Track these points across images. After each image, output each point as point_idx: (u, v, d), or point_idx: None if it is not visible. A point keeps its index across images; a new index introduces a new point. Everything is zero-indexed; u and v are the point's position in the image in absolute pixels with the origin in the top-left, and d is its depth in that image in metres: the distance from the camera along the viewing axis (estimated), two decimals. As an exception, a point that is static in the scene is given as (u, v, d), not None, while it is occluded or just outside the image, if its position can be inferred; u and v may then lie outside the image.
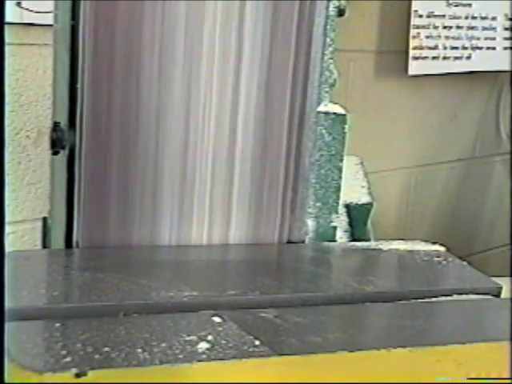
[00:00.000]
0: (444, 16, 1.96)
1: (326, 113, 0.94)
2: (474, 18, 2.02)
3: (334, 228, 0.98)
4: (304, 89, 0.92)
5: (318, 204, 0.96)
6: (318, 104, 0.94)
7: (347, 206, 1.03)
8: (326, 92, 0.95)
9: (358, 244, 0.97)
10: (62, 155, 0.88)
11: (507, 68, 2.13)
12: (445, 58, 1.98)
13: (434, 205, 2.25)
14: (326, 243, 0.97)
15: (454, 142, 2.22)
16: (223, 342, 0.65)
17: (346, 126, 0.96)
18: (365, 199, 1.05)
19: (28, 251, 1.13)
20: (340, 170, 0.96)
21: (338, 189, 0.97)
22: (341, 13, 0.94)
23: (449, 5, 1.96)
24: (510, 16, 2.09)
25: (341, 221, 1.01)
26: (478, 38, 2.04)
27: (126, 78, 0.85)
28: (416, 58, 1.92)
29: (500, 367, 0.68)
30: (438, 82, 2.05)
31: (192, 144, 0.89)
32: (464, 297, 0.82)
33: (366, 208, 1.05)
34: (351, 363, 0.65)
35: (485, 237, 2.42)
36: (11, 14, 1.24)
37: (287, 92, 0.91)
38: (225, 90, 0.88)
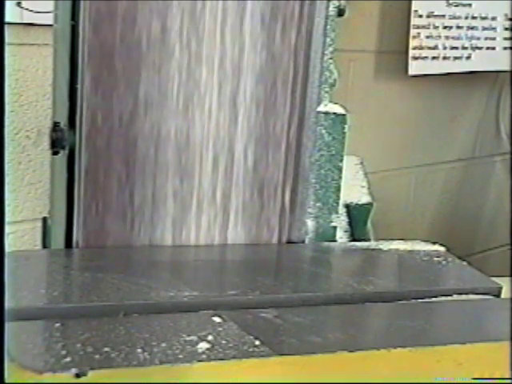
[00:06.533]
0: (444, 16, 1.96)
1: (326, 113, 0.94)
2: (473, 18, 2.01)
3: (334, 228, 0.98)
4: (304, 89, 0.92)
5: (318, 204, 0.96)
6: (318, 104, 0.94)
7: (347, 206, 1.03)
8: (326, 92, 0.95)
9: (358, 244, 0.97)
10: (62, 155, 0.88)
11: (507, 68, 2.13)
12: (445, 58, 1.98)
13: (434, 205, 2.25)
14: (326, 243, 0.97)
15: (454, 142, 2.22)
16: (223, 341, 0.65)
17: (346, 126, 0.95)
18: (365, 199, 1.05)
19: (28, 251, 1.13)
20: (340, 170, 0.96)
21: (338, 189, 0.97)
22: (341, 13, 0.94)
23: (449, 5, 1.96)
24: (510, 16, 2.09)
25: (341, 221, 1.01)
26: (478, 38, 2.04)
27: (125, 77, 0.85)
28: (416, 58, 1.92)
29: (500, 367, 0.68)
30: (438, 82, 2.05)
31: (192, 144, 0.89)
32: (464, 297, 0.82)
33: (365, 208, 1.05)
34: (351, 363, 0.65)
35: (485, 237, 2.41)
36: (11, 14, 1.24)
37: (287, 92, 0.91)
38: (225, 90, 0.88)
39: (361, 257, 0.94)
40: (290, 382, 0.64)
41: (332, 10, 0.93)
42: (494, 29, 2.07)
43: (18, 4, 1.27)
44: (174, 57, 0.86)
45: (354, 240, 1.01)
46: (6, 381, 0.57)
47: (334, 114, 0.95)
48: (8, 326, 0.57)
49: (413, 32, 1.90)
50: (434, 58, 1.96)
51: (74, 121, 0.85)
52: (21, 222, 1.40)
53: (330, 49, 0.94)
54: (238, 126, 0.90)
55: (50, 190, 1.00)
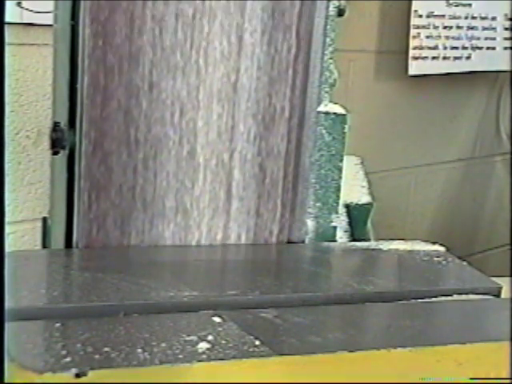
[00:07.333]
0: (444, 16, 1.96)
1: (326, 113, 0.94)
2: (473, 18, 2.01)
3: (334, 228, 0.98)
4: (304, 89, 0.92)
5: (318, 204, 0.96)
6: (318, 104, 0.94)
7: (347, 206, 1.03)
8: (326, 92, 0.95)
9: (358, 244, 0.97)
10: (62, 155, 0.88)
11: (507, 68, 2.13)
12: (445, 58, 1.98)
13: (434, 205, 2.25)
14: (326, 243, 0.97)
15: (454, 142, 2.22)
16: (223, 341, 0.65)
17: (346, 126, 0.96)
18: (365, 199, 1.05)
19: (28, 251, 1.13)
20: (340, 170, 0.96)
21: (338, 189, 0.97)
22: (341, 13, 0.94)
23: (449, 5, 1.96)
24: (510, 16, 2.09)
25: (341, 221, 1.01)
26: (478, 38, 2.04)
27: (125, 77, 0.85)
28: (416, 58, 1.92)
29: (500, 367, 0.68)
30: (438, 82, 2.05)
31: (192, 143, 0.89)
32: (464, 297, 0.82)
33: (365, 208, 1.05)
34: (351, 363, 0.65)
35: (485, 237, 2.41)
36: (11, 14, 1.24)
37: (287, 92, 0.91)
38: (225, 90, 0.88)
39: (361, 257, 0.94)
40: (290, 382, 0.64)
41: (332, 10, 0.93)
42: (494, 29, 2.06)
43: (18, 4, 1.27)
44: (176, 57, 0.86)
45: (354, 240, 1.01)
46: (6, 381, 0.57)
47: (334, 113, 0.95)
48: (8, 326, 0.57)
49: (413, 32, 1.90)
50: (433, 58, 1.96)
51: (74, 121, 0.85)
52: (21, 222, 1.39)
53: (330, 49, 0.94)
54: (239, 127, 0.90)
55: (50, 190, 1.00)
